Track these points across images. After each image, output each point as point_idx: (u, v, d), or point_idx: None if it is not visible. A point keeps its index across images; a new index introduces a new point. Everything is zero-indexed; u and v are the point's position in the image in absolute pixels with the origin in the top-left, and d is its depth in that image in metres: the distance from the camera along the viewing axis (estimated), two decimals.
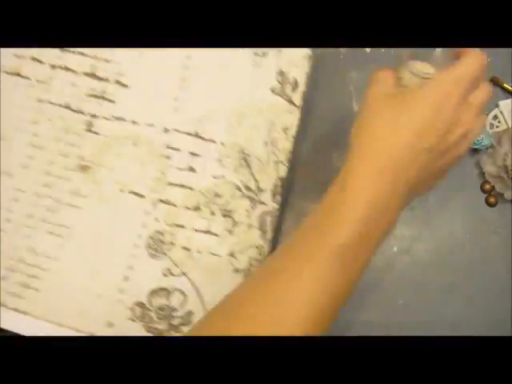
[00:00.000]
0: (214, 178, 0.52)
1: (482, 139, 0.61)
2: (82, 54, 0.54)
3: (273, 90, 0.54)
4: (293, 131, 0.54)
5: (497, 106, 0.64)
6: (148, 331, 0.49)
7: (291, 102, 0.54)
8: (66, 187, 0.52)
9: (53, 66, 0.54)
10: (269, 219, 0.52)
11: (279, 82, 0.54)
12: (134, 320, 0.50)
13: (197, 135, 0.53)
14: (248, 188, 0.52)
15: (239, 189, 0.52)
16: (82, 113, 0.53)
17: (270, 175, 0.53)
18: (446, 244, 0.60)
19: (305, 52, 0.55)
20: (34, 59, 0.54)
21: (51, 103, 0.53)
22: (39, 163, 0.52)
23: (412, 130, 0.41)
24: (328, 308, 0.40)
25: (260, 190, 0.52)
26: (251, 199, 0.52)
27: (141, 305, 0.50)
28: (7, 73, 0.54)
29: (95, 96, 0.53)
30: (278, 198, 0.52)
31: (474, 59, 0.45)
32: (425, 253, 0.59)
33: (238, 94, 0.54)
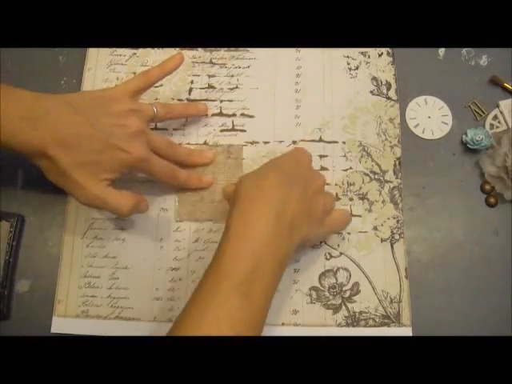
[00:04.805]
0: (344, 170, 0.62)
1: (482, 139, 0.60)
2: (207, 99, 0.64)
3: (372, 92, 0.65)
4: (397, 120, 0.64)
5: (497, 106, 0.64)
6: (327, 308, 0.57)
7: (389, 98, 0.65)
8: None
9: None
10: (396, 193, 0.61)
11: (375, 86, 0.65)
12: (313, 303, 0.57)
13: (321, 140, 0.63)
14: (374, 172, 0.62)
15: (367, 175, 0.62)
16: (219, 145, 0.63)
17: (389, 158, 0.62)
18: (446, 244, 0.60)
19: (388, 59, 0.66)
20: None
21: (190, 144, 0.63)
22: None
23: (280, 173, 0.50)
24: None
25: (383, 171, 0.62)
26: (378, 180, 0.61)
27: (315, 288, 0.58)
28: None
29: (227, 130, 0.63)
30: (399, 174, 0.62)
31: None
32: (425, 253, 0.59)
33: (345, 102, 0.64)
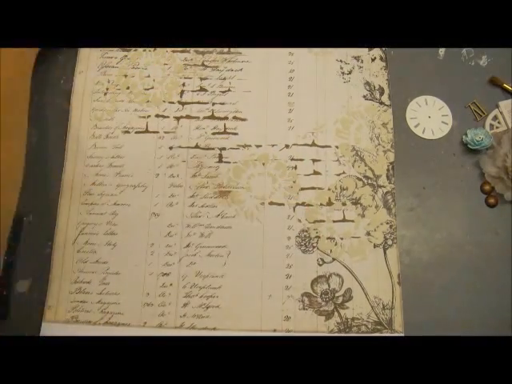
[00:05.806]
0: (337, 175, 0.61)
1: (482, 140, 0.60)
2: (199, 102, 0.64)
3: (365, 97, 0.64)
4: (390, 124, 0.63)
5: (497, 106, 0.63)
6: (320, 315, 0.56)
7: (382, 103, 0.64)
8: (212, 213, 0.60)
9: (176, 118, 0.63)
10: (390, 198, 0.60)
11: (368, 90, 0.64)
12: (305, 309, 0.57)
13: (314, 144, 0.62)
14: (367, 177, 0.61)
15: (360, 179, 0.61)
16: (211, 149, 0.62)
17: (382, 162, 0.62)
18: (445, 244, 0.59)
19: (382, 64, 0.65)
20: (158, 116, 0.63)
21: (181, 147, 0.62)
22: (183, 199, 0.60)
23: None
24: None
25: (376, 176, 0.61)
26: (371, 185, 0.61)
27: (307, 294, 0.57)
28: (137, 132, 0.63)
29: (219, 133, 0.62)
30: (392, 179, 0.61)
31: None
32: (425, 253, 0.59)
33: (338, 106, 0.64)
